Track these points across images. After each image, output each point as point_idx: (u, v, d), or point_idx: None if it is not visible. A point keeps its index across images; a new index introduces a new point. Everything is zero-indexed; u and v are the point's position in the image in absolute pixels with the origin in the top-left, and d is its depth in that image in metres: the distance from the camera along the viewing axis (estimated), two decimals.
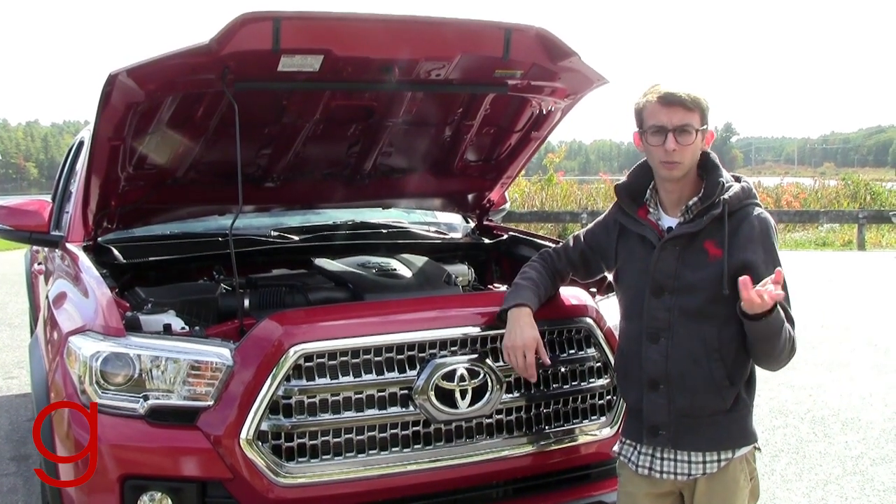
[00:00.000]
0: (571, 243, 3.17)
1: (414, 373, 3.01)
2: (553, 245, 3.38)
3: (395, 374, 3.00)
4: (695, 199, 2.71)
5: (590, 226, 3.15)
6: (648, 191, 2.85)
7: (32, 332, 5.20)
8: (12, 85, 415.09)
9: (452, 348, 3.09)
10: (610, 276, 3.08)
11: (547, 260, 3.20)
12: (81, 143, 5.25)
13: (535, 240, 4.60)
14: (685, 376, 2.70)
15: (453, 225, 5.31)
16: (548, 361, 3.06)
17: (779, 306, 2.51)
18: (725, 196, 2.67)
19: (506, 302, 3.07)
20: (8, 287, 12.73)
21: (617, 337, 2.99)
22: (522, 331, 2.99)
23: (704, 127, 2.68)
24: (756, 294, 2.43)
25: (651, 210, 2.84)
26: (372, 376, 2.97)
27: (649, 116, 2.68)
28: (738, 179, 2.79)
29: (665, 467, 2.77)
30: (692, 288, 2.69)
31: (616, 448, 2.96)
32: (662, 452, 2.77)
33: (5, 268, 14.93)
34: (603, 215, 3.09)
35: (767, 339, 2.57)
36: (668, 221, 2.79)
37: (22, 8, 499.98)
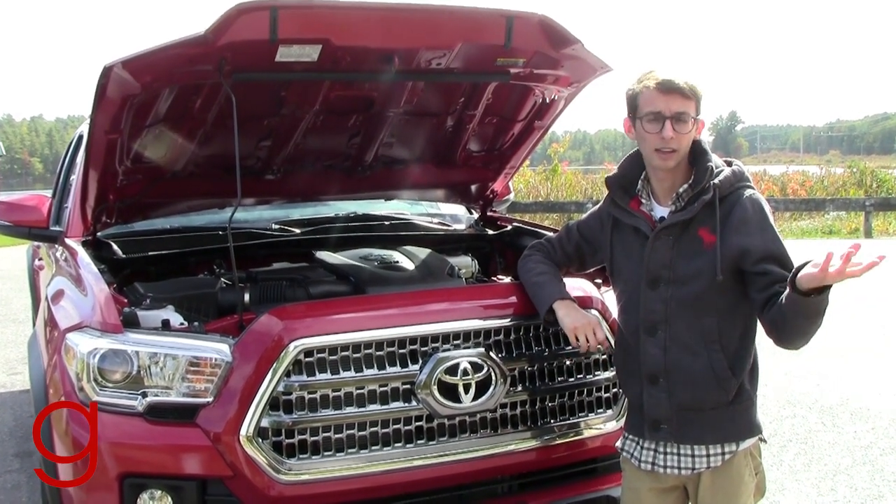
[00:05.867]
0: (566, 235, 3.13)
1: (416, 367, 2.97)
2: (548, 235, 3.34)
3: (397, 369, 2.96)
4: (685, 186, 2.67)
5: (583, 217, 3.12)
6: (640, 181, 2.81)
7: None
8: (17, 80, 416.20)
9: (455, 342, 3.04)
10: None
11: (544, 253, 3.15)
12: (81, 137, 5.21)
13: (540, 230, 4.55)
14: (684, 369, 2.66)
15: (457, 216, 5.27)
16: (606, 344, 3.03)
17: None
18: (715, 181, 2.63)
19: (545, 300, 3.01)
20: (12, 283, 12.72)
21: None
22: (584, 313, 3.00)
23: (699, 114, 2.66)
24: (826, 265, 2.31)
25: (643, 201, 2.80)
26: (374, 371, 2.93)
27: (646, 103, 2.64)
28: (729, 164, 2.75)
29: (668, 462, 2.73)
30: (688, 278, 2.64)
31: (619, 444, 2.92)
32: (665, 447, 2.74)
33: (9, 264, 14.92)
34: (596, 207, 3.05)
35: (817, 315, 2.47)
36: (661, 211, 2.75)
37: (26, 3, 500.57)
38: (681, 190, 2.67)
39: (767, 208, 2.66)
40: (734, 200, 2.63)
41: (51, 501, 3.07)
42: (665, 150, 2.62)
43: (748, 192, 2.66)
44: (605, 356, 3.29)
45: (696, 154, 2.70)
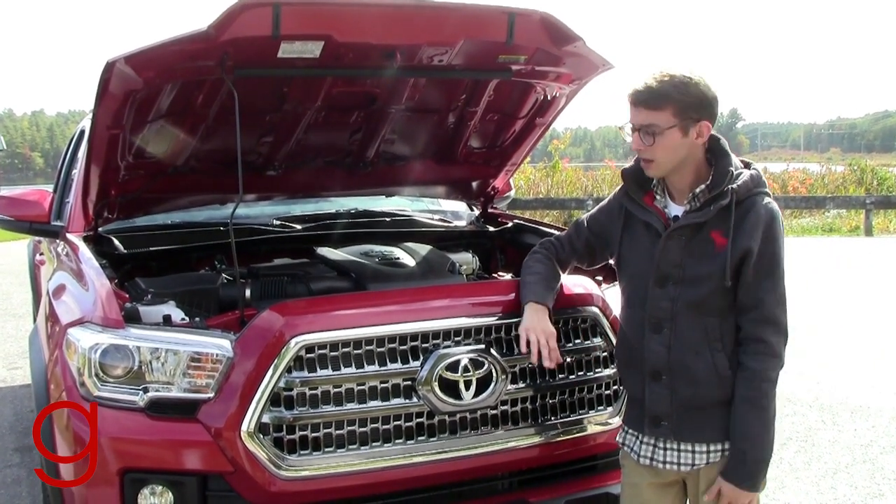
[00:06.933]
0: (575, 231, 3.12)
1: (417, 363, 2.97)
2: (556, 233, 3.33)
3: (398, 365, 2.96)
4: (702, 186, 2.64)
5: (592, 211, 3.10)
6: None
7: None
8: (18, 74, 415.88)
9: (456, 338, 3.04)
10: (612, 262, 3.03)
11: (550, 250, 3.14)
12: (83, 132, 5.21)
13: (540, 227, 4.56)
14: (687, 367, 2.65)
15: (458, 213, 5.27)
16: (559, 358, 3.02)
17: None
18: (734, 185, 2.60)
19: (523, 300, 3.04)
20: (12, 278, 12.72)
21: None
22: (545, 321, 2.99)
23: (688, 120, 2.55)
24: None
25: (658, 197, 2.78)
26: (374, 367, 2.93)
27: (629, 113, 2.65)
28: (747, 166, 2.72)
29: (668, 458, 2.73)
30: (698, 279, 2.63)
31: (619, 438, 2.92)
32: (665, 443, 2.73)
33: (9, 258, 14.92)
34: (606, 200, 3.03)
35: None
36: (675, 210, 2.73)
37: None
38: (697, 190, 2.64)
39: (780, 219, 2.64)
40: (749, 206, 2.60)
41: (52, 498, 3.07)
42: (643, 159, 2.64)
43: (765, 199, 2.62)
44: (605, 354, 3.29)
45: (717, 155, 2.67)
